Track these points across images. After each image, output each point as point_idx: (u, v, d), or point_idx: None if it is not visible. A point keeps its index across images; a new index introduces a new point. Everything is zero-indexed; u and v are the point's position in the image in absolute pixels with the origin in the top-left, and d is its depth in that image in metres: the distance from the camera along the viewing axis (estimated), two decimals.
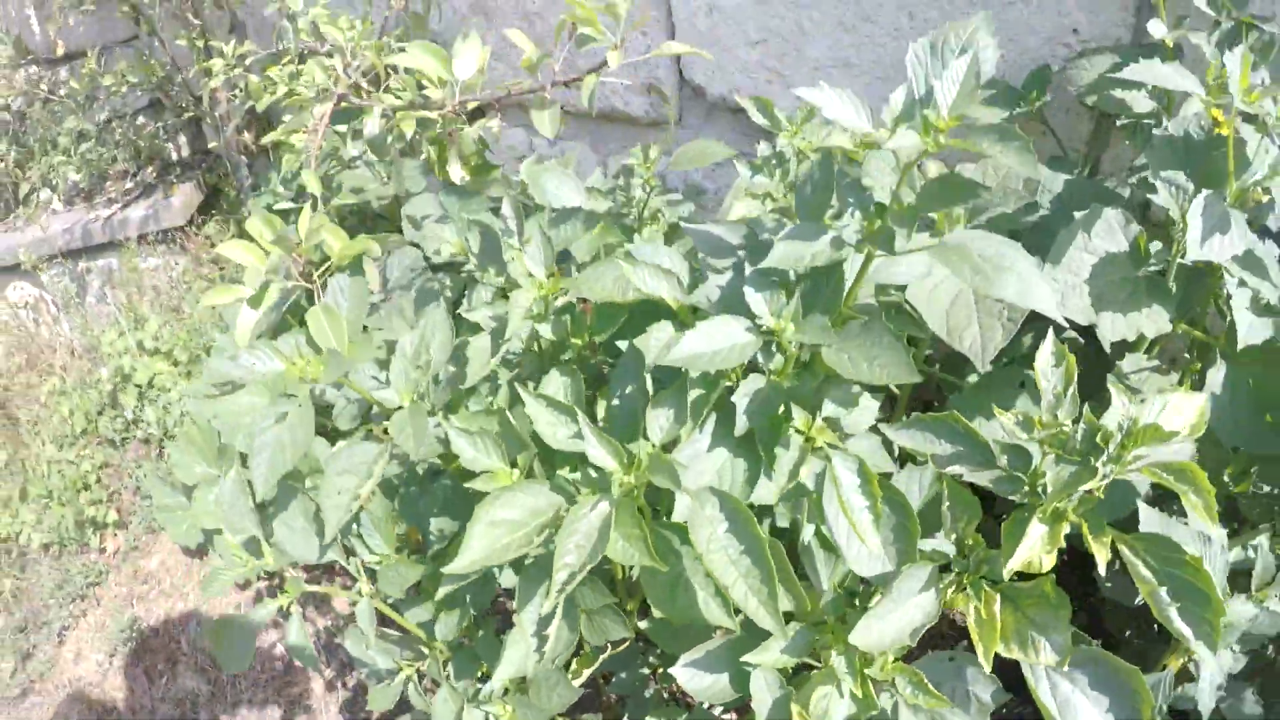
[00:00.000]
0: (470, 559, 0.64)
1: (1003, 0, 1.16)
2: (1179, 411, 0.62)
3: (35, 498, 1.87)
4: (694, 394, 0.62)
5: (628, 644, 0.90)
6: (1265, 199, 0.84)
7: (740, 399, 0.60)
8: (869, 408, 0.75)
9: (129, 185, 2.12)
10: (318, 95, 1.05)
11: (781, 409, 0.59)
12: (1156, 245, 0.85)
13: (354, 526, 1.07)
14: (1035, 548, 0.60)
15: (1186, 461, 0.58)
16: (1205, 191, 0.77)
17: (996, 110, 0.91)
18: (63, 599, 1.82)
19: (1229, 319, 0.83)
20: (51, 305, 2.14)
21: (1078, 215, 0.80)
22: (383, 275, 1.47)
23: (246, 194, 2.04)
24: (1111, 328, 0.77)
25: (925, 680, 0.66)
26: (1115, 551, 0.62)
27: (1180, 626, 0.58)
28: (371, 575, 1.02)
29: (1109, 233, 0.81)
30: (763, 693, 0.68)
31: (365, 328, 1.06)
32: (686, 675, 0.71)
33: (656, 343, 0.64)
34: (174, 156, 2.21)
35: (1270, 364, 0.83)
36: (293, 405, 0.81)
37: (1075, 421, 0.61)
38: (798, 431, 0.62)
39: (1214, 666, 0.71)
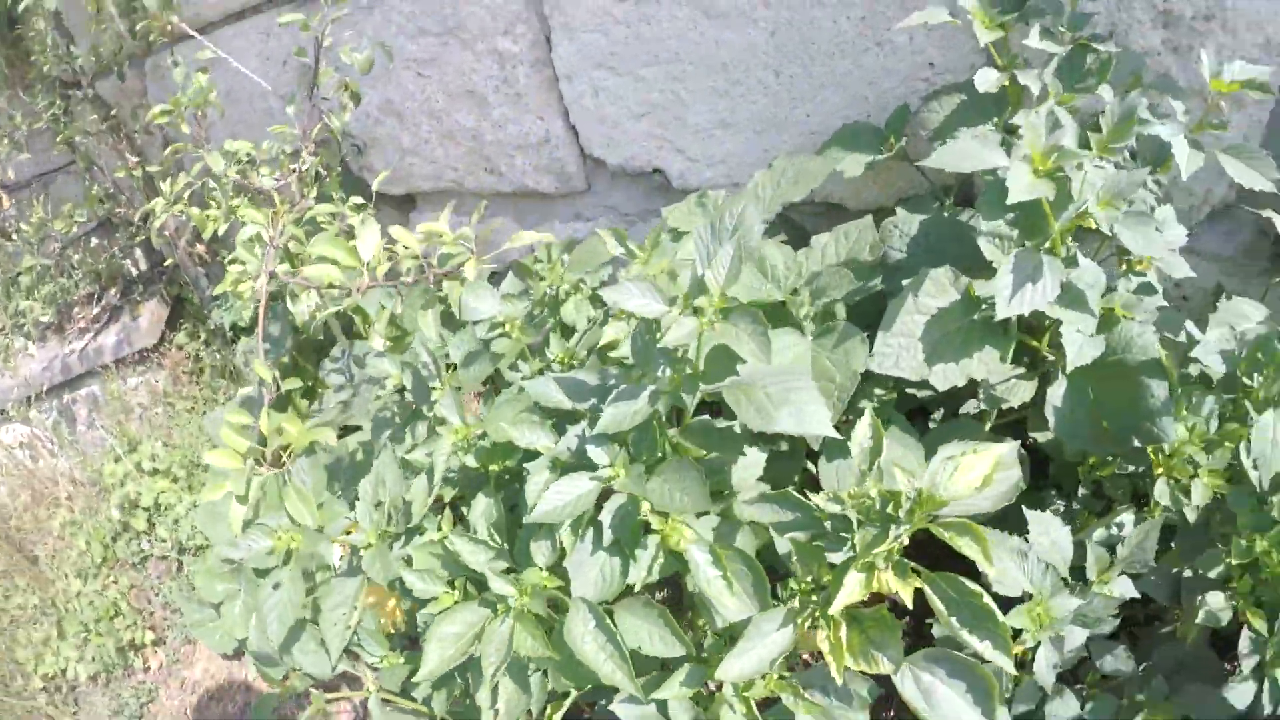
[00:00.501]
0: (429, 669, 0.93)
1: (859, 49, 1.39)
2: (971, 469, 0.87)
3: (73, 633, 2.22)
4: (565, 525, 0.90)
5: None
6: (1094, 226, 1.07)
7: (605, 516, 0.87)
8: (757, 462, 1.01)
9: (95, 310, 2.44)
10: (253, 273, 1.32)
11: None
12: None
13: (354, 638, 1.38)
14: (854, 592, 0.85)
15: (959, 519, 0.83)
16: (1017, 250, 1.00)
17: (761, 285, 1.13)
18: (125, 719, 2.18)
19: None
20: (46, 441, 2.47)
21: (905, 283, 1.04)
22: (346, 370, 1.77)
23: (208, 303, 2.34)
24: (944, 378, 1.01)
25: (800, 690, 0.93)
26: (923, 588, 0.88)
27: (973, 643, 0.84)
28: (375, 670, 1.32)
29: (938, 291, 1.05)
30: (679, 715, 0.96)
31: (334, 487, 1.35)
32: (623, 711, 0.99)
33: (534, 486, 0.91)
34: (133, 273, 2.52)
35: (1103, 378, 1.07)
36: (286, 572, 1.10)
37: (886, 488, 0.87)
38: (654, 531, 0.88)
39: (1042, 658, 0.96)
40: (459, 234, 1.15)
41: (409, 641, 1.50)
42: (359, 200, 1.52)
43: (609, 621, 0.90)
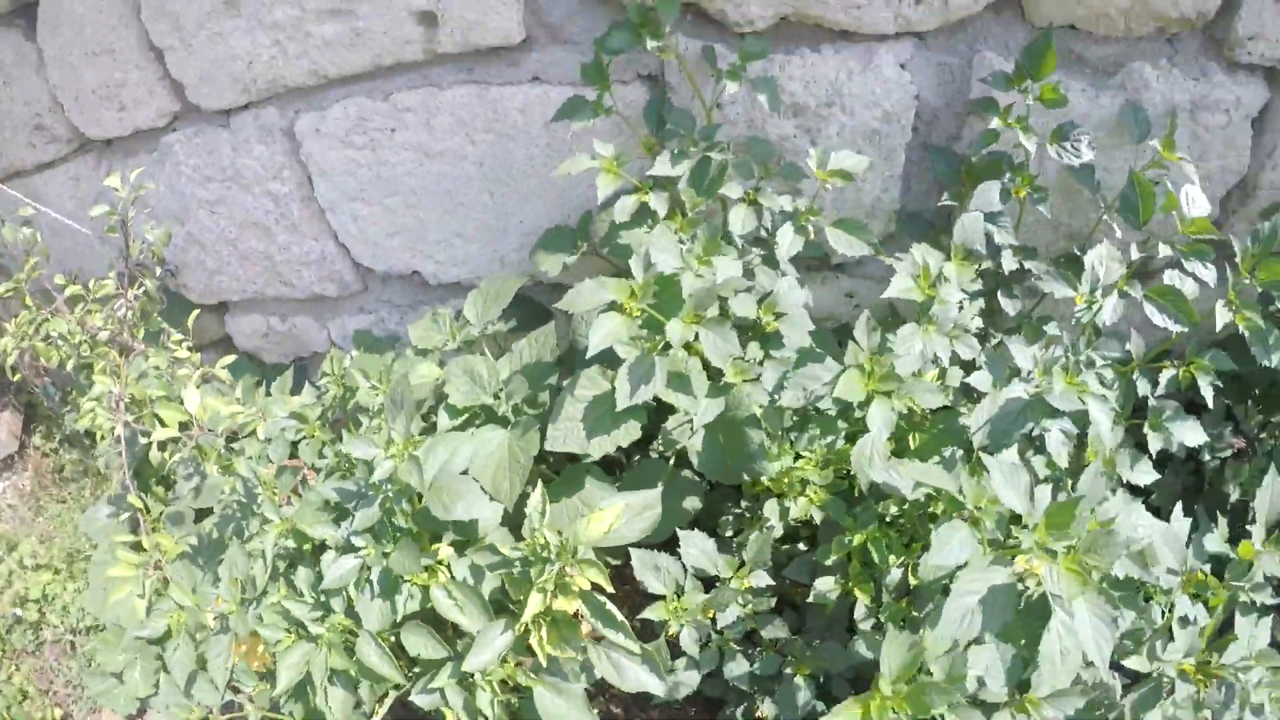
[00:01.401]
0: (282, 687, 1.47)
1: (547, 170, 1.90)
2: (600, 520, 1.43)
3: None
4: (350, 585, 1.45)
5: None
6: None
7: (373, 577, 1.42)
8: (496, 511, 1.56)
9: None
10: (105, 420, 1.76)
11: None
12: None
13: (234, 677, 1.88)
14: (536, 607, 1.41)
15: (584, 560, 1.38)
16: (636, 355, 1.54)
17: (473, 391, 1.66)
18: None
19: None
20: None
21: (565, 383, 1.59)
22: (195, 464, 2.22)
23: (58, 410, 2.71)
24: (600, 448, 1.57)
25: (528, 672, 1.50)
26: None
27: (610, 635, 1.41)
28: (251, 699, 1.84)
29: (592, 384, 1.60)
30: (453, 696, 1.52)
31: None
32: (420, 699, 1.55)
33: (326, 561, 1.44)
34: None
35: (725, 429, 1.63)
36: (180, 639, 1.59)
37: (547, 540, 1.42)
38: (409, 581, 1.44)
39: (686, 636, 1.55)
40: (248, 410, 1.64)
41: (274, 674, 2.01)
42: (183, 339, 1.96)
43: (383, 644, 1.44)
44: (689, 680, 1.63)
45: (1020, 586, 1.11)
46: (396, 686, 1.66)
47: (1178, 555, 1.41)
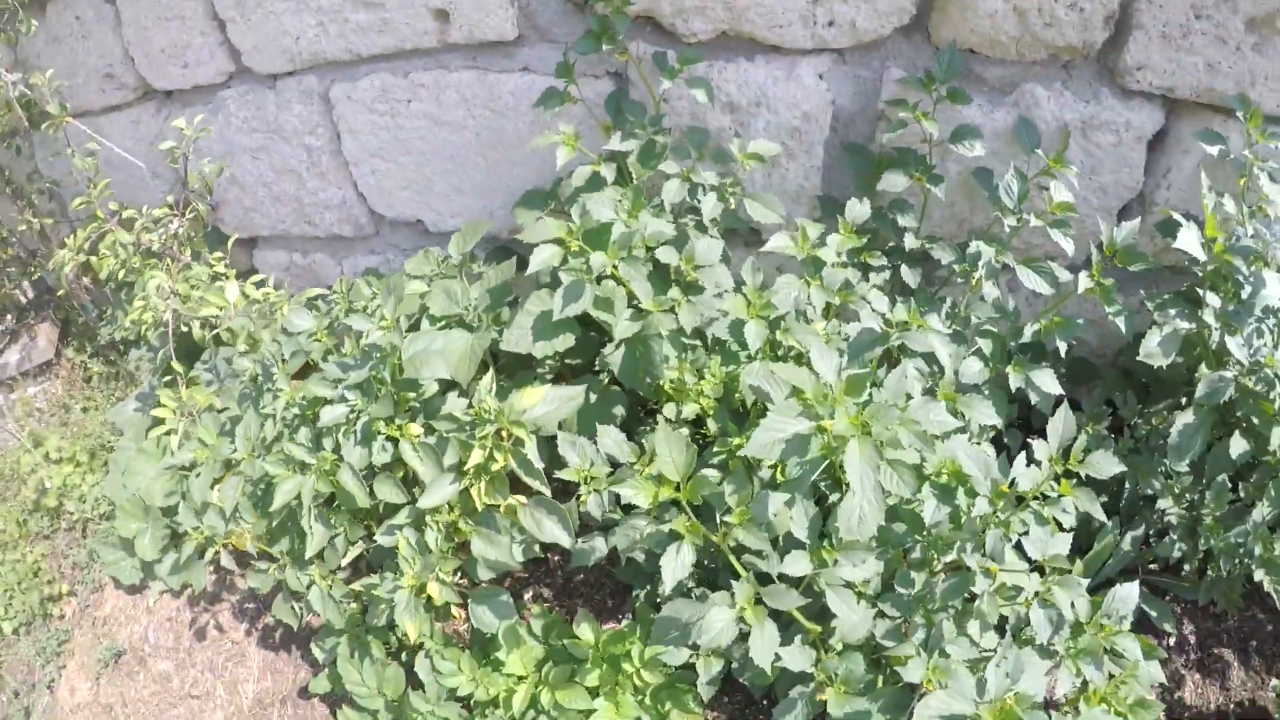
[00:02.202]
0: (276, 505, 1.98)
1: (527, 140, 2.47)
2: (529, 395, 1.95)
3: (1, 593, 3.14)
4: (340, 430, 1.98)
5: None
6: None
7: (357, 425, 1.95)
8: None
9: None
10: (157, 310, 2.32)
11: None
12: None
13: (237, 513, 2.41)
14: (476, 459, 1.92)
15: (519, 421, 1.90)
16: (571, 279, 2.09)
17: (450, 305, 2.22)
18: (43, 661, 3.10)
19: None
20: None
21: (523, 299, 2.13)
22: (215, 370, 2.78)
23: (95, 324, 3.29)
24: (541, 351, 2.10)
25: (465, 519, 2.01)
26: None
27: (536, 484, 1.93)
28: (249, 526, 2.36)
29: (540, 302, 2.14)
30: (409, 533, 2.02)
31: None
32: (382, 539, 2.06)
33: (324, 413, 1.97)
34: (22, 300, 3.43)
35: (641, 343, 2.16)
36: (203, 469, 2.13)
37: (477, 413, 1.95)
38: (384, 433, 1.96)
39: (592, 502, 2.07)
40: (279, 292, 2.19)
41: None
42: (221, 255, 2.53)
43: (360, 477, 1.96)
44: (599, 547, 2.13)
45: (820, 443, 1.61)
46: (368, 531, 2.19)
47: (983, 470, 1.89)
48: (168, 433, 2.21)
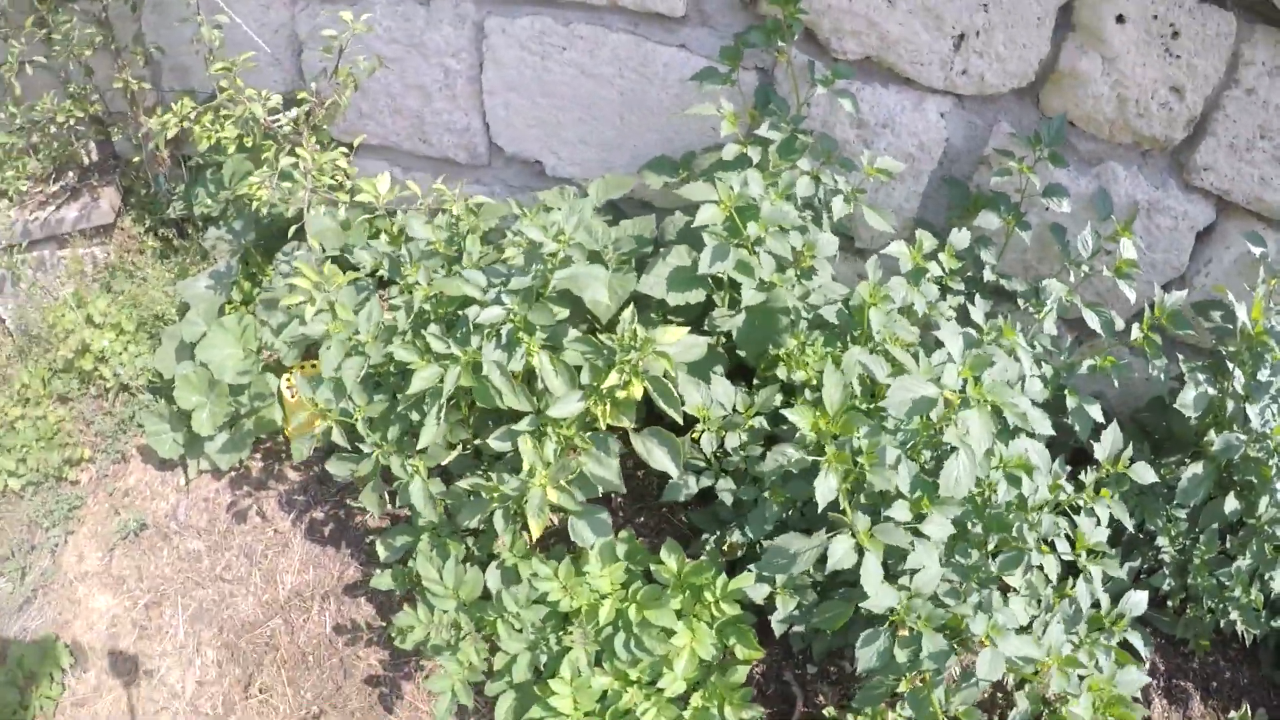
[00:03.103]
0: (415, 389, 2.22)
1: (671, 113, 2.78)
2: (669, 332, 2.25)
3: (13, 449, 3.18)
4: (483, 333, 2.22)
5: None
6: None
7: (502, 331, 2.20)
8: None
9: (54, 189, 3.41)
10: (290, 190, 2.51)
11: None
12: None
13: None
14: (614, 381, 2.18)
15: (665, 350, 2.19)
16: (718, 241, 2.40)
17: (588, 240, 2.52)
18: (49, 524, 3.16)
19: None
20: None
21: (660, 251, 2.42)
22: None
23: (165, 197, 3.39)
24: (674, 298, 2.40)
25: (583, 436, 2.28)
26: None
27: (670, 412, 2.22)
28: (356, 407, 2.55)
29: (679, 258, 2.44)
30: (528, 438, 2.28)
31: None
32: (495, 444, 2.30)
33: (473, 312, 2.21)
34: (85, 161, 3.50)
35: (762, 313, 2.49)
36: (334, 341, 2.32)
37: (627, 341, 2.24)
38: (523, 343, 2.22)
39: (705, 440, 2.36)
40: (452, 192, 2.42)
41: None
42: (347, 151, 2.73)
43: (507, 374, 2.21)
44: (689, 487, 2.43)
45: (939, 414, 1.97)
46: (464, 439, 2.43)
47: (1046, 465, 2.29)
48: (302, 303, 2.39)
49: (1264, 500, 2.55)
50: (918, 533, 2.05)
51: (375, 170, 3.15)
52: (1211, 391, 2.55)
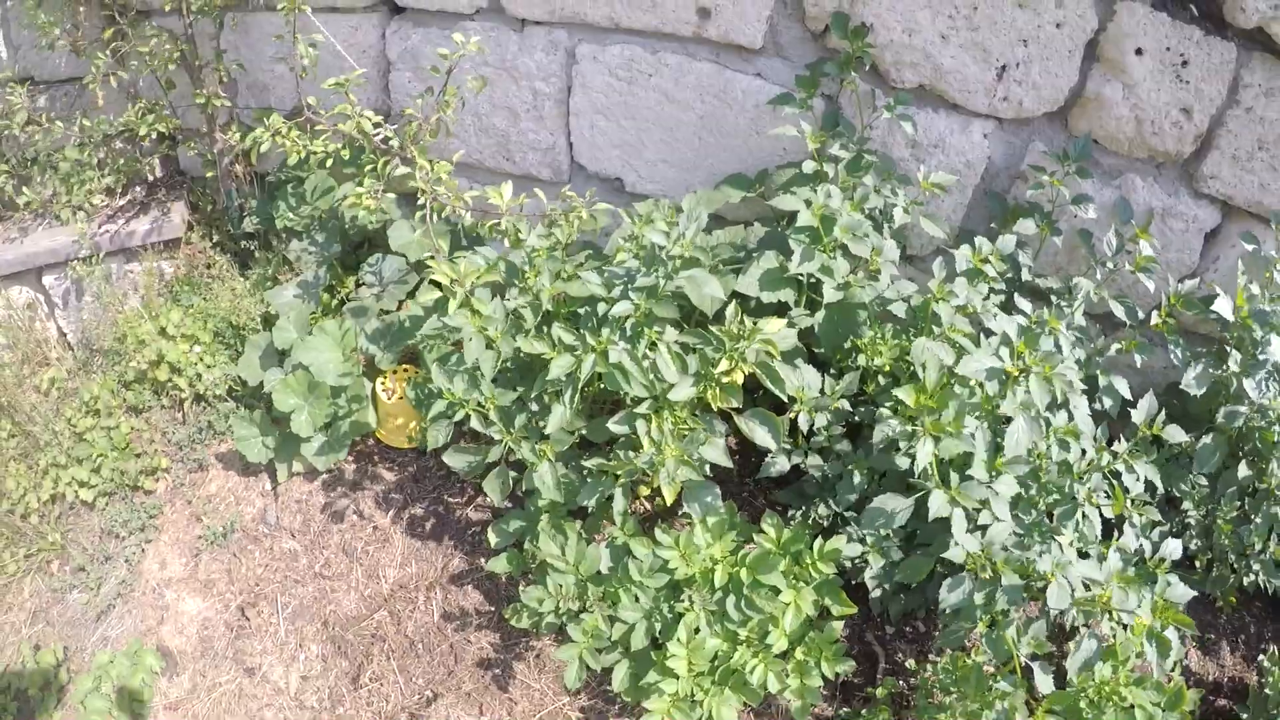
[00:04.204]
0: (552, 376, 2.80)
1: (747, 135, 3.44)
2: (771, 323, 2.88)
3: (89, 457, 3.61)
4: (611, 325, 2.84)
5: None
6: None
7: (626, 325, 2.81)
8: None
9: (122, 203, 3.89)
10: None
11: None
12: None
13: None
14: (724, 368, 2.80)
15: (770, 338, 2.82)
16: (804, 245, 3.06)
17: (711, 252, 3.19)
18: (126, 533, 3.58)
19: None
20: (59, 305, 3.85)
21: (755, 255, 3.07)
22: (379, 274, 3.54)
23: (236, 213, 3.91)
24: (766, 295, 3.04)
25: (692, 414, 2.88)
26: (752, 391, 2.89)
27: (779, 395, 2.84)
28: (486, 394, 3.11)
29: (768, 262, 3.09)
30: (644, 424, 2.88)
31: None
32: (614, 427, 2.89)
33: (603, 308, 2.81)
34: (150, 177, 4.00)
35: (840, 309, 3.15)
36: (471, 333, 2.90)
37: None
38: (646, 334, 2.83)
39: (802, 418, 2.99)
40: (579, 199, 3.04)
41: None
42: (449, 167, 3.32)
43: (636, 360, 2.80)
44: (781, 464, 3.05)
45: (1002, 382, 2.65)
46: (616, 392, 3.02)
47: (1090, 430, 2.97)
48: (444, 299, 2.94)
49: (1273, 464, 3.26)
50: (991, 490, 2.70)
51: (462, 188, 3.75)
52: (1214, 372, 3.29)
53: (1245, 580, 3.43)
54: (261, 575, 3.43)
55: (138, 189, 3.96)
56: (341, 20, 3.59)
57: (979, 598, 2.76)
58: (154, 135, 3.71)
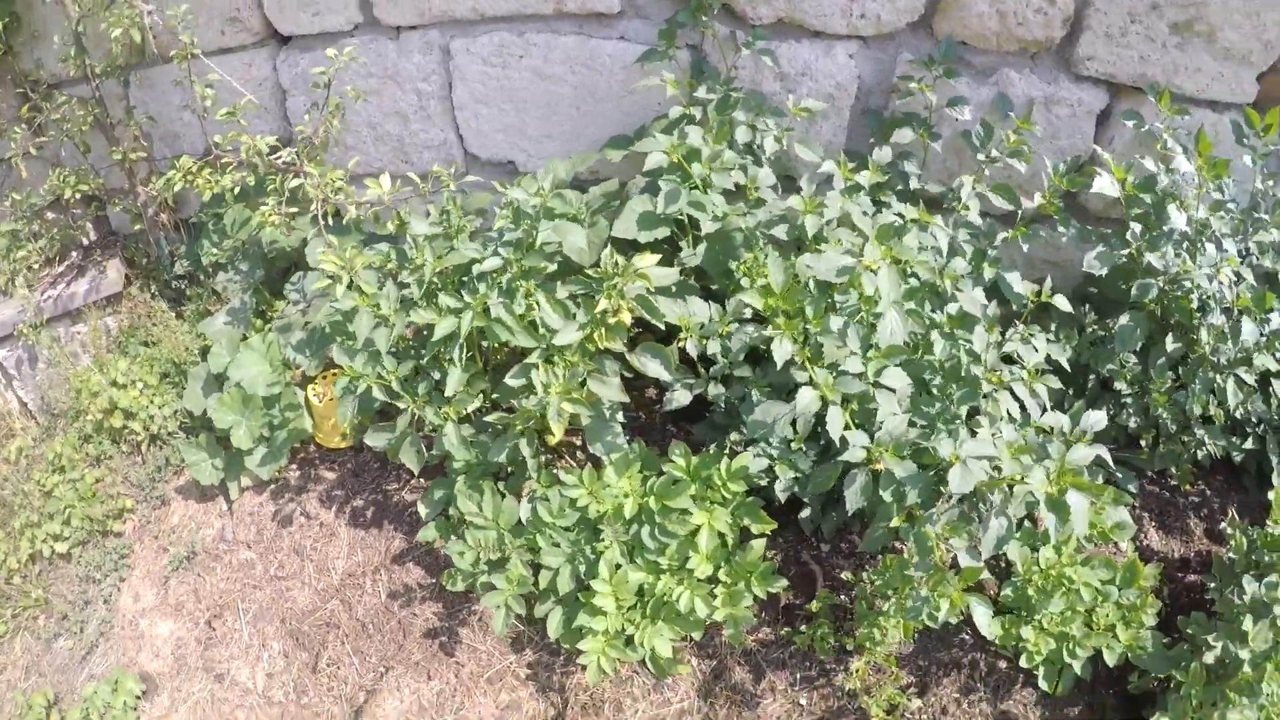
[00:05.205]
0: (440, 336, 3.32)
1: (620, 96, 3.97)
2: (644, 259, 3.36)
3: (59, 511, 4.22)
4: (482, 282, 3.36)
5: None
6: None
7: (502, 279, 3.33)
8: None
9: (60, 270, 4.56)
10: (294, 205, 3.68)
11: None
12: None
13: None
14: (604, 306, 3.29)
15: (644, 272, 3.30)
16: (670, 185, 3.55)
17: (564, 207, 3.72)
18: (101, 576, 4.18)
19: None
20: (15, 376, 4.51)
21: (627, 202, 3.57)
22: (302, 290, 4.12)
23: (167, 260, 4.56)
24: (645, 236, 3.53)
25: (585, 360, 3.36)
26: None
27: (652, 318, 3.32)
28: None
29: (640, 203, 3.58)
30: (539, 373, 3.37)
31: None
32: (511, 380, 3.39)
33: (476, 267, 3.35)
34: (85, 242, 4.67)
35: (719, 240, 3.63)
36: (362, 313, 3.46)
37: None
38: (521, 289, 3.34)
39: (690, 345, 3.45)
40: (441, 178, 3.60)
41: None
42: (343, 173, 3.91)
43: (511, 312, 3.31)
44: (682, 397, 3.51)
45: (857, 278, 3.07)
46: (483, 389, 3.52)
47: (979, 310, 3.36)
48: (330, 285, 3.49)
49: (1202, 332, 3.59)
50: (880, 386, 3.11)
51: (362, 196, 4.34)
52: (1119, 252, 3.65)
53: (1200, 455, 3.75)
54: (224, 588, 3.98)
55: (74, 254, 4.63)
56: (235, 59, 4.23)
57: (887, 495, 3.15)
58: (79, 197, 4.36)
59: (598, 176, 4.16)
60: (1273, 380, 3.71)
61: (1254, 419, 3.77)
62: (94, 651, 4.07)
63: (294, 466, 4.15)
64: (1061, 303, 3.37)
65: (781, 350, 3.03)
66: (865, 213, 3.44)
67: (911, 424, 3.20)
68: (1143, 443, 3.79)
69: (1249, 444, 3.77)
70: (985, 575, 3.46)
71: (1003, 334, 3.38)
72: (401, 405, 3.49)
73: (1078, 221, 3.76)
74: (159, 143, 4.51)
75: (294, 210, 3.97)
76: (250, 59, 4.23)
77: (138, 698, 3.89)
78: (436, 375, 3.52)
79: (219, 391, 4.05)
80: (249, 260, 4.28)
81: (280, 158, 3.91)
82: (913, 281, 3.17)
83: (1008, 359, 3.37)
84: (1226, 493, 3.86)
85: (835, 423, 3.03)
